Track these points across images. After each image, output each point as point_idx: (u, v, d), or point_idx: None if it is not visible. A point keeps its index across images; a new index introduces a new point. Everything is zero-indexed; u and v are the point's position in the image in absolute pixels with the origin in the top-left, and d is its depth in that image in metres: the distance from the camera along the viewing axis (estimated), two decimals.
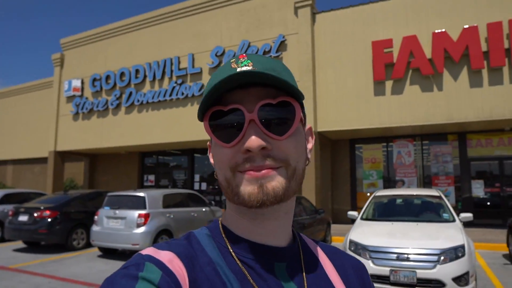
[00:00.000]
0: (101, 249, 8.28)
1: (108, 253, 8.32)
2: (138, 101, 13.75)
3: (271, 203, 0.56)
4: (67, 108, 15.85)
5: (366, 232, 5.54)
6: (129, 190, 8.96)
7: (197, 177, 15.13)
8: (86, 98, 15.22)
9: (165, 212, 7.97)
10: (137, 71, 13.93)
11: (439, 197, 6.40)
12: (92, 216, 8.79)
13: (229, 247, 0.61)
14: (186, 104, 12.90)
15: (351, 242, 5.32)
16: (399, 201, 6.67)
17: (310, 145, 0.66)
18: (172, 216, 8.08)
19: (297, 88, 0.57)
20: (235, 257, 0.60)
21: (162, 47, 13.67)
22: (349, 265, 0.71)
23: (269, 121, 0.56)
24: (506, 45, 9.34)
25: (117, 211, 7.71)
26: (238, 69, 0.55)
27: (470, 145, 11.45)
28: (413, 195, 6.63)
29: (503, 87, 9.43)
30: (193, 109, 12.72)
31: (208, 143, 0.67)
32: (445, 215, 6.01)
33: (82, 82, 15.49)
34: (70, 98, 15.78)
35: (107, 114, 14.66)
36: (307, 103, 10.69)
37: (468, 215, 6.03)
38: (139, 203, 7.61)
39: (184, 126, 12.72)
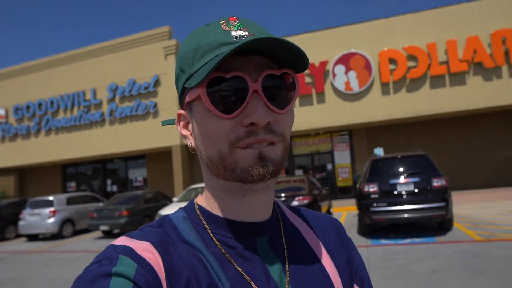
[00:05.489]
0: (27, 236, 13.23)
1: (32, 239, 13.27)
2: (54, 126, 18.44)
3: (271, 177, 0.56)
4: None
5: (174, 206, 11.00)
6: (43, 196, 13.93)
7: (109, 182, 20.15)
8: (11, 124, 19.59)
9: (68, 208, 13.05)
10: (52, 102, 18.57)
11: None
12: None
13: (208, 229, 0.61)
14: (91, 127, 17.82)
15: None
16: None
17: None
18: (74, 210, 13.18)
19: (306, 56, 0.57)
20: (214, 238, 0.60)
21: (71, 82, 18.39)
22: (327, 226, 0.74)
23: (271, 93, 0.56)
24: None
25: (35, 210, 12.68)
26: (233, 33, 0.56)
27: (295, 145, 17.43)
28: None
29: (295, 109, 15.33)
30: (98, 131, 17.65)
31: (178, 111, 0.66)
32: None
33: (6, 111, 19.81)
34: None
35: (29, 137, 19.19)
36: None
37: None
38: (49, 203, 12.65)
39: (92, 144, 17.67)
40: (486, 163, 15.19)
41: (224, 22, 0.58)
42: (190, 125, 0.63)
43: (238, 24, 0.57)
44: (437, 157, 15.12)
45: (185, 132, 0.65)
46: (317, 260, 0.67)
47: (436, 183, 7.92)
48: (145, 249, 0.55)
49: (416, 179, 8.01)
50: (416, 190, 7.95)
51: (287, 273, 0.61)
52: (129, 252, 0.53)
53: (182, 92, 0.62)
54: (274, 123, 0.56)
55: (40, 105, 18.92)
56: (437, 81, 13.91)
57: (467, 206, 12.04)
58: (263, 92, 0.55)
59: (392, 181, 8.08)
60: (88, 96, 17.97)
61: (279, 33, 15.04)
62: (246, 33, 0.56)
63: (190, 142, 0.63)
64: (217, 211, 0.63)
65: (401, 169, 8.31)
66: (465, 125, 15.50)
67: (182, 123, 0.65)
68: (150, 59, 16.95)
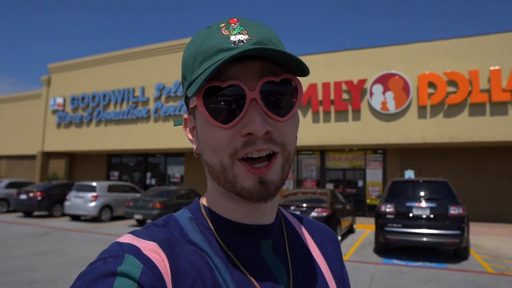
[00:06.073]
0: (71, 216, 14.54)
1: (75, 219, 14.57)
2: (104, 118, 19.97)
3: (272, 197, 0.57)
4: (52, 119, 22.04)
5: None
6: (88, 181, 15.26)
7: (148, 175, 21.44)
8: (67, 112, 21.42)
9: (109, 195, 14.22)
10: (104, 95, 20.13)
11: None
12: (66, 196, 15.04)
13: (213, 230, 0.61)
14: (137, 123, 19.14)
15: None
16: None
17: None
18: (113, 197, 14.34)
19: (305, 64, 0.55)
20: (219, 240, 0.60)
21: (122, 79, 19.86)
22: (324, 235, 0.76)
23: (271, 100, 0.55)
24: (332, 96, 15.59)
25: (79, 193, 13.95)
26: (232, 37, 0.54)
27: (328, 159, 17.75)
28: None
29: (330, 124, 15.71)
30: (143, 126, 18.93)
31: (184, 115, 0.66)
32: None
33: (64, 100, 21.68)
34: (54, 112, 21.97)
35: (82, 126, 20.88)
36: None
37: None
38: (92, 189, 13.87)
39: (136, 138, 18.98)
40: None
41: (224, 25, 0.57)
42: (195, 130, 0.63)
43: (238, 27, 0.56)
44: (471, 185, 14.91)
45: (191, 136, 0.65)
46: (317, 266, 0.67)
47: (453, 211, 8.09)
48: (151, 249, 0.54)
49: (433, 205, 8.22)
50: (432, 215, 8.16)
51: (291, 277, 0.62)
52: (135, 251, 0.52)
53: (187, 97, 0.62)
54: (274, 132, 0.55)
55: (93, 97, 20.56)
56: (477, 109, 13.77)
57: (494, 238, 11.86)
58: (262, 100, 0.54)
59: (409, 204, 8.34)
60: (137, 93, 19.32)
61: (318, 50, 15.30)
62: (246, 36, 0.55)
63: (195, 147, 0.63)
64: (222, 213, 0.62)
65: (420, 193, 8.54)
66: (503, 156, 15.15)
67: (188, 127, 0.65)
68: None
